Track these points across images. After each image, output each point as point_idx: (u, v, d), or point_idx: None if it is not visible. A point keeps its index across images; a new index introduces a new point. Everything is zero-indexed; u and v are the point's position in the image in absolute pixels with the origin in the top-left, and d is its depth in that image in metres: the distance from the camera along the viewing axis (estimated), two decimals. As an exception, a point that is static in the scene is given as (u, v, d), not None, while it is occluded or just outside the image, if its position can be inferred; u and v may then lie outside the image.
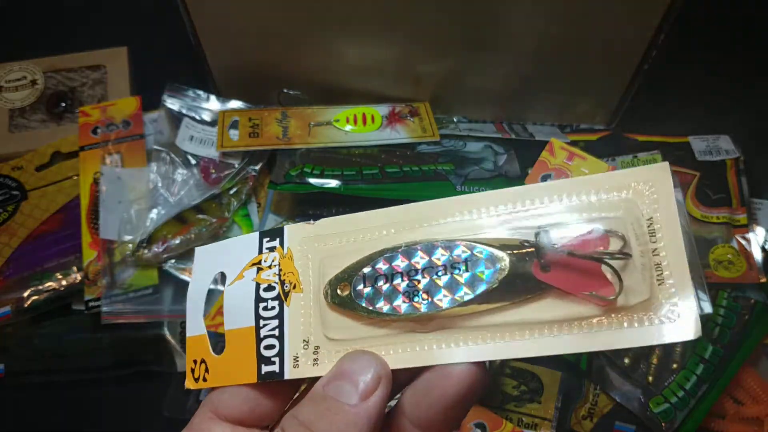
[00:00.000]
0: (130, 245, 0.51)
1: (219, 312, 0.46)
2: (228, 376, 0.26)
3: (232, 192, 0.55)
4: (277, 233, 0.28)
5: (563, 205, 0.24)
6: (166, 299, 0.51)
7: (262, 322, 0.26)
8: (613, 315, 0.22)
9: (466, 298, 0.23)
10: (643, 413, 0.46)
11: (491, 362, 0.49)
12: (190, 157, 0.55)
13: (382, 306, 0.24)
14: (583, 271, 0.23)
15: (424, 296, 0.24)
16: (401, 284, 0.24)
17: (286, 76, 0.57)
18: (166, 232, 0.52)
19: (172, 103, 0.57)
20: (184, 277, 0.52)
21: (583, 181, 0.24)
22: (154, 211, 0.53)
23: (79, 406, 0.52)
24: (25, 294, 0.50)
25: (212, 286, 0.28)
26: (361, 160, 0.54)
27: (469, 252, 0.24)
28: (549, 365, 0.50)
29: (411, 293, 0.24)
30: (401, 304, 0.24)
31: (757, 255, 0.50)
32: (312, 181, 0.51)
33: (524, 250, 0.23)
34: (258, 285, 0.27)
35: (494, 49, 0.53)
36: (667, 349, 0.47)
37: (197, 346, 0.28)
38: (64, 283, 0.51)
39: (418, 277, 0.24)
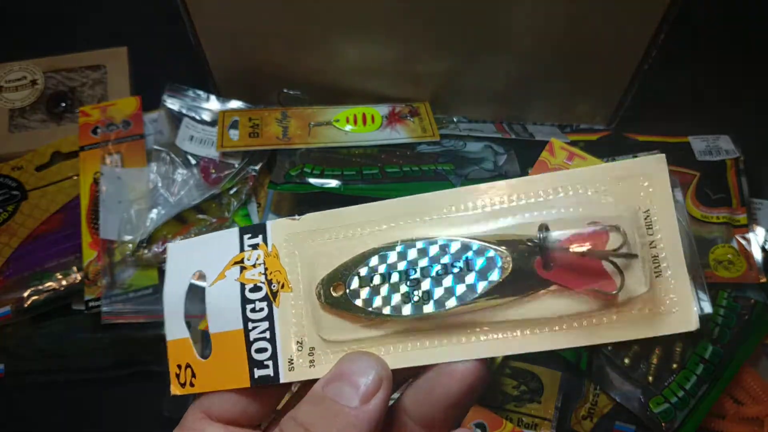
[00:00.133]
0: (130, 245, 0.51)
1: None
2: (218, 381, 0.26)
3: (232, 192, 0.55)
4: (259, 229, 0.26)
5: (560, 199, 0.23)
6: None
7: (251, 325, 0.25)
8: (613, 309, 0.22)
9: (470, 297, 0.23)
10: (643, 413, 0.46)
11: (492, 361, 0.49)
12: (190, 157, 0.55)
13: (382, 307, 0.24)
14: (585, 268, 0.23)
15: (426, 297, 0.23)
16: (401, 284, 0.24)
17: (286, 76, 0.57)
18: (166, 232, 0.52)
19: (172, 103, 0.57)
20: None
21: (580, 173, 0.23)
22: (154, 211, 0.53)
23: (79, 406, 0.52)
24: (25, 294, 0.50)
25: (192, 285, 0.27)
26: (361, 160, 0.54)
27: (469, 250, 0.23)
28: (549, 365, 0.50)
29: (412, 294, 0.24)
30: (402, 304, 0.24)
31: (757, 255, 0.50)
32: (312, 181, 0.51)
33: (526, 246, 0.23)
34: (243, 285, 0.26)
35: (494, 49, 0.53)
36: (667, 349, 0.47)
37: (180, 350, 0.26)
38: (64, 283, 0.51)
39: (418, 276, 0.24)
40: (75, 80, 0.62)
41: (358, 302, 0.24)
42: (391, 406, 0.25)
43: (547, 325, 0.23)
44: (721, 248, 0.50)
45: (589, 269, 0.22)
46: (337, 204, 0.26)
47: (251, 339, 0.25)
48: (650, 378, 0.46)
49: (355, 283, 0.24)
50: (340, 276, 0.25)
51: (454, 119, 0.61)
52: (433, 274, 0.24)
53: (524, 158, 0.56)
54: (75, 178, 0.55)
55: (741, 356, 0.47)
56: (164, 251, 0.51)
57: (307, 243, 0.26)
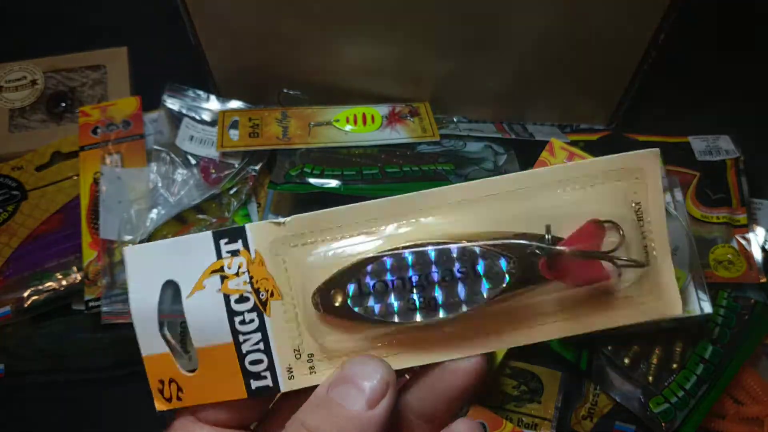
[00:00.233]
0: (131, 245, 0.51)
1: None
2: (209, 394, 0.24)
3: (232, 192, 0.55)
4: (237, 234, 0.24)
5: (557, 193, 0.24)
6: (166, 299, 0.51)
7: (241, 338, 0.24)
8: (602, 297, 0.23)
9: (479, 300, 0.23)
10: (643, 413, 0.46)
11: (492, 361, 0.49)
12: (190, 157, 0.55)
13: (387, 315, 0.23)
14: (586, 266, 0.23)
15: (432, 303, 0.23)
16: (406, 291, 0.23)
17: (286, 76, 0.57)
18: (166, 232, 0.52)
19: (172, 103, 0.57)
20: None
21: (577, 167, 0.24)
22: (154, 211, 0.53)
23: (79, 406, 0.52)
24: (25, 294, 0.50)
25: (162, 296, 0.25)
26: (361, 160, 0.54)
27: (474, 254, 0.23)
28: (549, 365, 0.50)
29: (418, 300, 0.23)
30: (410, 312, 0.23)
31: (757, 255, 0.50)
32: (312, 181, 0.51)
33: (531, 249, 0.23)
34: (227, 297, 0.24)
35: (494, 49, 0.53)
36: (667, 349, 0.47)
37: (159, 364, 0.25)
38: (64, 283, 0.51)
39: (423, 282, 0.23)
40: (75, 80, 0.62)
41: (360, 310, 0.23)
42: None
43: (540, 318, 0.23)
44: (721, 248, 0.50)
45: (590, 267, 0.23)
46: (337, 204, 0.25)
47: (244, 351, 0.24)
48: (650, 378, 0.46)
49: (356, 291, 0.23)
50: (338, 283, 0.23)
51: (454, 119, 0.61)
52: (438, 279, 0.23)
53: (524, 158, 0.56)
54: (75, 178, 0.55)
55: (741, 356, 0.47)
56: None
57: (296, 248, 0.24)
